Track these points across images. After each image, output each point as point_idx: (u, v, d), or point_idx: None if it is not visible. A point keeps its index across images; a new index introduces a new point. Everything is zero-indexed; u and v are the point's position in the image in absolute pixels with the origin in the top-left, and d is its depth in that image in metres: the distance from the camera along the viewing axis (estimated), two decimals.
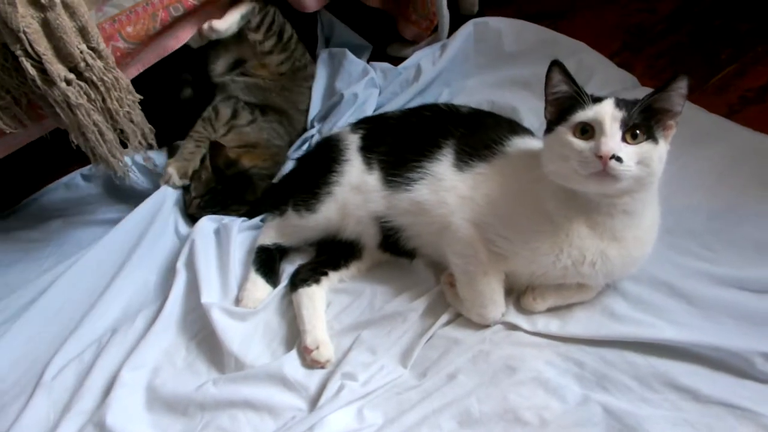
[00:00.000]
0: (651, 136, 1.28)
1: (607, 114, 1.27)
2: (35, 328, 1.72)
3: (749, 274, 1.49)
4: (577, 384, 1.37)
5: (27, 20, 1.53)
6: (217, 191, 1.99)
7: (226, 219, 1.89)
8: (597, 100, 1.32)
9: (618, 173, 1.25)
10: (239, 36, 2.16)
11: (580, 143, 1.29)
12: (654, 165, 1.28)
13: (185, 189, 2.06)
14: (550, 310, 1.50)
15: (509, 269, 1.47)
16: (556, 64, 1.36)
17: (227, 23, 2.04)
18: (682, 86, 1.29)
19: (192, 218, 1.98)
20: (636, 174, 1.26)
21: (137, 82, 1.88)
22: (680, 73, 1.28)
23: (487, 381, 1.40)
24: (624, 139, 1.26)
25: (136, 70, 1.97)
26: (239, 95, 2.24)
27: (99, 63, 1.68)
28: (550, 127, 1.38)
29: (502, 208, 1.45)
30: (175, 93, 2.40)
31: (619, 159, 1.24)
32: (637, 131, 1.27)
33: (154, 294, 1.77)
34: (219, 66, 2.29)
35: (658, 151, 1.28)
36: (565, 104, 1.36)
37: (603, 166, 1.24)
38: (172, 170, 2.04)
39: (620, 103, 1.30)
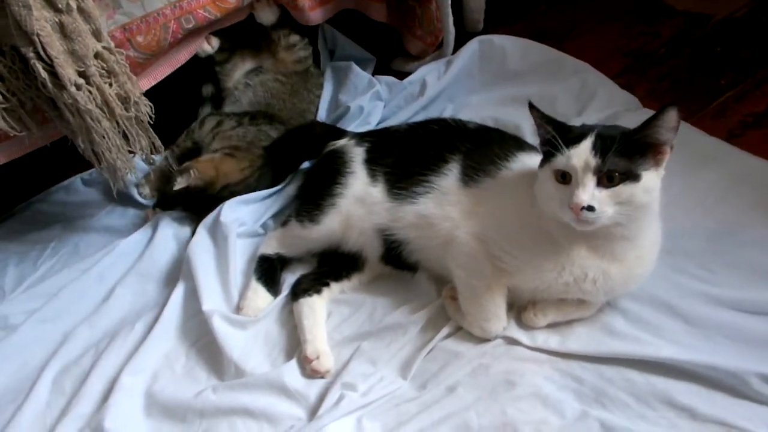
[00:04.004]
0: (630, 176, 1.27)
1: (580, 162, 1.27)
2: (32, 335, 1.71)
3: (746, 296, 1.51)
4: (575, 400, 1.37)
5: (41, 23, 1.52)
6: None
7: (223, 221, 1.84)
8: (580, 137, 1.31)
9: (592, 220, 1.27)
10: (258, 46, 2.18)
11: (557, 190, 1.32)
12: (637, 200, 1.28)
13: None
14: (551, 326, 1.51)
15: (513, 284, 1.48)
16: (531, 108, 1.38)
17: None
18: (668, 119, 1.26)
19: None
20: (612, 215, 1.28)
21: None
22: (668, 105, 1.25)
23: (486, 395, 1.41)
24: (600, 183, 1.27)
25: (147, 82, 1.97)
26: (243, 104, 2.25)
27: (113, 62, 1.68)
28: (542, 163, 1.40)
29: (507, 225, 1.46)
30: (195, 92, 2.42)
31: (591, 208, 1.25)
32: (615, 174, 1.27)
33: (154, 301, 1.76)
34: (235, 76, 2.31)
35: (640, 187, 1.28)
36: (548, 144, 1.36)
37: (576, 216, 1.27)
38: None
39: (598, 144, 1.28)
